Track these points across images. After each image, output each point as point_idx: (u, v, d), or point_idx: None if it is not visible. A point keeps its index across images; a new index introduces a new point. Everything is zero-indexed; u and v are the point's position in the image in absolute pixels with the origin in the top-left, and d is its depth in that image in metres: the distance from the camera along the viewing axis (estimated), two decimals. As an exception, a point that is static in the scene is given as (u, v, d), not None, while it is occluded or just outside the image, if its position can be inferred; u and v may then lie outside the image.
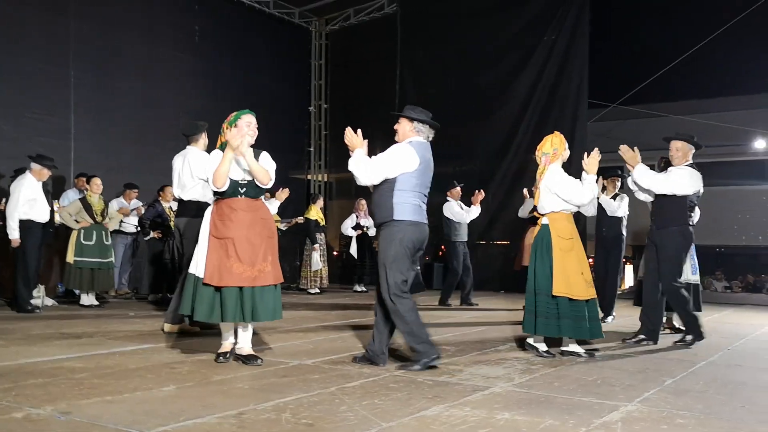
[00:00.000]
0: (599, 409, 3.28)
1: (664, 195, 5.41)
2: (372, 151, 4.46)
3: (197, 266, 4.31)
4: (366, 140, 4.41)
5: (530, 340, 4.90)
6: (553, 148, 4.89)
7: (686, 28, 11.90)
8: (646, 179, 5.42)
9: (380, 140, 13.63)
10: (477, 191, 8.66)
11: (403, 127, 4.43)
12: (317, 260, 10.62)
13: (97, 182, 8.14)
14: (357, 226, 11.28)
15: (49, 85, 9.52)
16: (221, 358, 4.38)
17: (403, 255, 4.21)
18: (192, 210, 5.66)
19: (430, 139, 4.48)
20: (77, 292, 8.11)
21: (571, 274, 4.63)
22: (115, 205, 8.92)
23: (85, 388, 3.57)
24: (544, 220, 4.86)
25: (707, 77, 12.75)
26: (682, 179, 5.36)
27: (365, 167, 4.28)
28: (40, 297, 7.99)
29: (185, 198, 5.74)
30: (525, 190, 8.11)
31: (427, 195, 4.43)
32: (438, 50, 12.34)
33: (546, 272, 4.67)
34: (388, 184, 4.27)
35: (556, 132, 5.02)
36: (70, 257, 7.84)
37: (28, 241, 7.22)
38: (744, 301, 11.24)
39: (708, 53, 11.10)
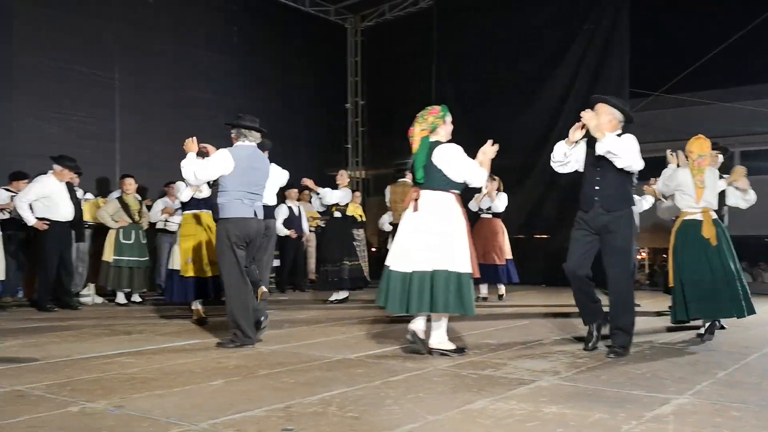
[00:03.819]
0: (650, 402, 3.22)
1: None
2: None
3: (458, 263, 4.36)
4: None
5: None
6: (707, 152, 5.24)
7: (730, 13, 11.57)
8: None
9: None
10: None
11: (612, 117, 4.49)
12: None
13: (129, 182, 8.30)
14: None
15: (94, 89, 9.75)
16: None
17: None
18: (271, 212, 6.69)
19: None
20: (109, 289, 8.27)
21: None
22: (159, 204, 9.06)
23: (137, 382, 3.65)
24: (712, 215, 5.26)
25: (754, 62, 12.39)
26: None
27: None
28: (90, 295, 8.22)
29: (270, 204, 6.39)
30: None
31: None
32: (474, 43, 12.25)
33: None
34: (626, 174, 4.43)
35: (699, 135, 5.29)
36: (109, 256, 8.01)
37: (47, 241, 7.38)
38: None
39: (754, 38, 10.78)
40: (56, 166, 7.50)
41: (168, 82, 10.68)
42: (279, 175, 6.86)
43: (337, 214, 8.28)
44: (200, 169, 4.81)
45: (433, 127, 4.52)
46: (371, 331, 5.83)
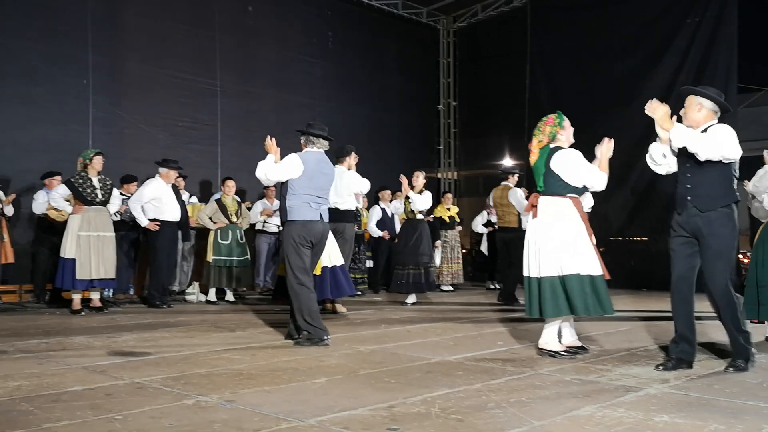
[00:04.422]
0: (769, 414, 3.06)
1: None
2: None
3: (587, 265, 4.38)
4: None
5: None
6: None
7: None
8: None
9: (508, 135, 13.51)
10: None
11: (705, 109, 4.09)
12: (437, 257, 10.61)
13: (229, 184, 8.63)
14: (488, 223, 11.17)
15: (198, 96, 10.22)
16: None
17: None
18: (350, 217, 7.01)
19: None
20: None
21: None
22: (259, 206, 9.38)
23: (244, 378, 3.80)
24: None
25: None
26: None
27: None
28: (194, 293, 8.60)
29: (342, 208, 6.54)
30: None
31: None
32: (569, 41, 11.97)
33: None
34: (722, 168, 4.00)
35: None
36: (209, 256, 8.34)
37: (157, 240, 7.75)
38: None
39: None
40: (162, 169, 7.90)
41: (266, 87, 11.03)
42: (358, 183, 6.94)
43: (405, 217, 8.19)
44: (272, 170, 5.03)
45: (551, 135, 4.56)
46: (467, 333, 5.81)
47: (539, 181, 4.56)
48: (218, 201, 8.53)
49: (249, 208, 9.46)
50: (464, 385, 3.62)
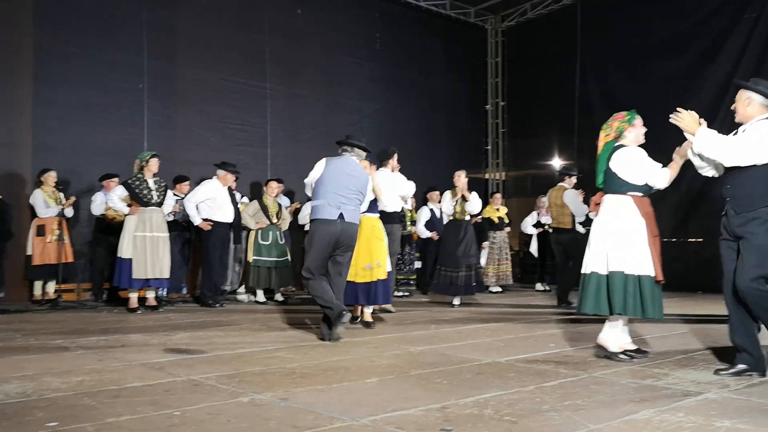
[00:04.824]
0: (837, 422, 2.95)
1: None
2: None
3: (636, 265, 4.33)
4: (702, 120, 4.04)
5: None
6: None
7: None
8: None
9: (557, 135, 13.32)
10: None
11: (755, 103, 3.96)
12: (483, 258, 10.52)
13: (272, 185, 8.77)
14: (538, 224, 11.05)
15: (248, 98, 10.38)
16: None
17: None
18: (395, 218, 7.08)
19: None
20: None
21: None
22: (308, 207, 9.45)
23: (297, 377, 3.84)
24: None
25: None
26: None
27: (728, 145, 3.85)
28: (245, 294, 8.73)
29: (389, 210, 6.55)
30: None
31: None
32: (620, 39, 11.75)
33: None
34: (760, 170, 3.80)
35: None
36: (250, 256, 8.45)
37: (209, 240, 7.90)
38: None
39: None
40: (220, 171, 8.05)
41: (314, 89, 11.14)
42: (402, 186, 6.97)
43: (451, 217, 8.12)
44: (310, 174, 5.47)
45: (619, 131, 4.51)
46: (518, 334, 5.75)
47: (599, 177, 4.54)
48: (260, 201, 8.65)
49: (298, 209, 9.57)
50: (517, 387, 3.59)
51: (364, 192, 5.53)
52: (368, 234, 6.00)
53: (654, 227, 4.41)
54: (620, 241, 4.34)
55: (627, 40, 11.63)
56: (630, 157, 4.39)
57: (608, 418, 2.99)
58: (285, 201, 9.57)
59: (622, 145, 4.48)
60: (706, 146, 3.91)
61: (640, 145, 4.51)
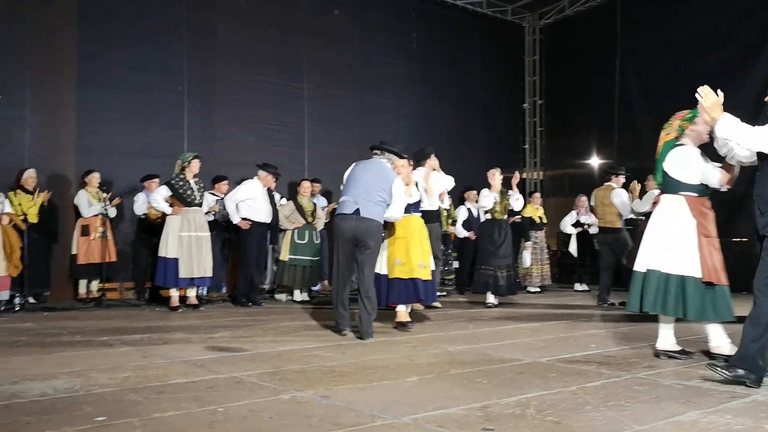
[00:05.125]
0: None
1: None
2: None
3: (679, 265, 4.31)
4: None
5: None
6: None
7: None
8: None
9: (596, 134, 13.12)
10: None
11: None
12: (527, 258, 10.43)
13: (305, 185, 8.82)
14: (577, 224, 10.91)
15: (286, 99, 10.49)
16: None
17: None
18: (433, 217, 7.03)
19: None
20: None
21: None
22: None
23: (337, 375, 3.86)
24: None
25: None
26: None
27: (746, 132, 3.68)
28: (284, 293, 8.80)
29: (427, 209, 6.60)
30: None
31: None
32: (660, 35, 11.52)
33: None
34: None
35: None
36: (285, 256, 8.51)
37: (247, 239, 7.98)
38: None
39: None
40: (261, 172, 8.14)
41: (351, 89, 11.20)
42: (441, 182, 6.96)
43: (488, 216, 8.00)
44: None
45: (680, 130, 4.47)
46: (558, 335, 5.69)
47: (658, 177, 4.53)
48: (295, 201, 8.71)
49: (335, 210, 9.60)
50: (559, 387, 3.55)
51: (388, 191, 5.49)
52: (420, 233, 6.11)
53: (707, 228, 4.31)
54: (665, 241, 4.32)
55: (667, 36, 11.40)
56: (682, 157, 4.35)
57: (653, 419, 2.94)
58: (323, 201, 9.62)
59: (680, 144, 4.43)
60: (727, 131, 3.73)
61: (703, 144, 4.44)
